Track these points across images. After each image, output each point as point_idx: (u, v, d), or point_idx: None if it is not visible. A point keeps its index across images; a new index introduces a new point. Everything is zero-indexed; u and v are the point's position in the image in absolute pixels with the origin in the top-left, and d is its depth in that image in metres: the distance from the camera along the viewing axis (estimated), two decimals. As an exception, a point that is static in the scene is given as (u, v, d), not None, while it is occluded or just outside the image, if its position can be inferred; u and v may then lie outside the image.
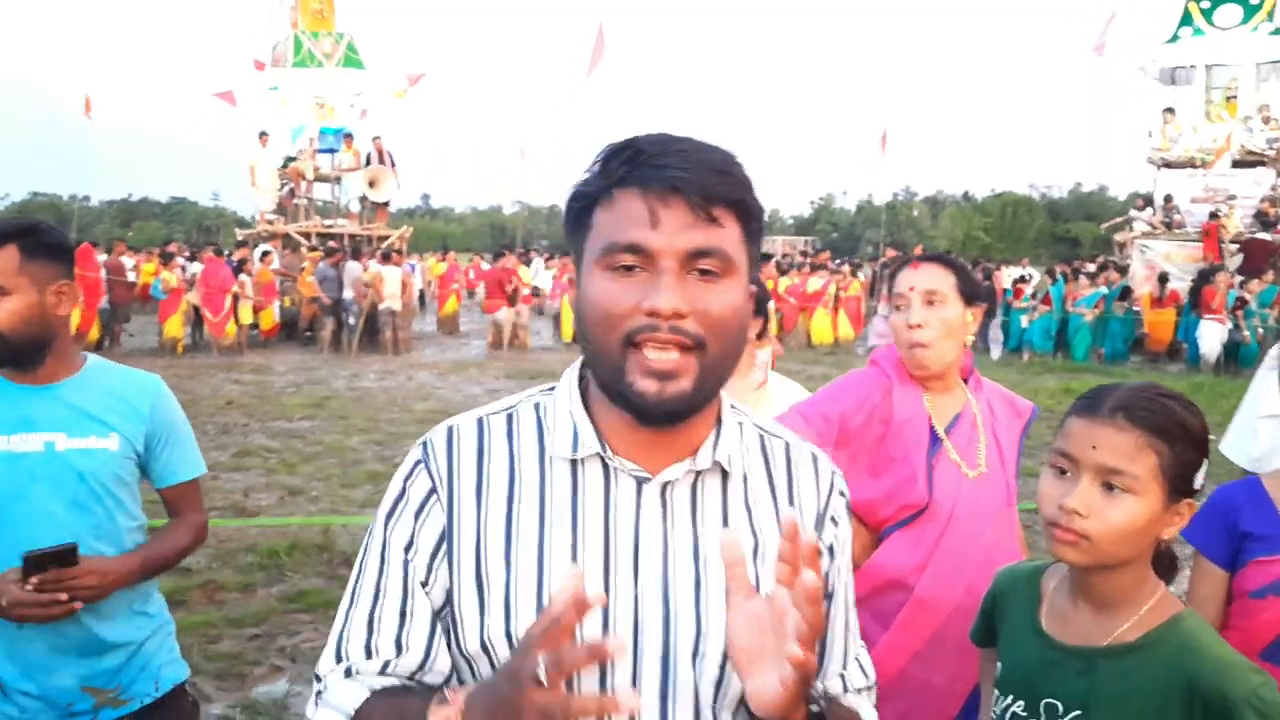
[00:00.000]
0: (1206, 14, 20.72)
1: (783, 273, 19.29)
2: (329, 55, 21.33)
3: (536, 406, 1.21)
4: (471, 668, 1.13)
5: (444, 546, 1.13)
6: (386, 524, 1.16)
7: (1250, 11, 20.30)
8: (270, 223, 20.36)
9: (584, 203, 1.10)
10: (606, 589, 1.09)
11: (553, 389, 1.22)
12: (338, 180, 21.26)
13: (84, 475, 2.08)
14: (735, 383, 1.56)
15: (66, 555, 1.96)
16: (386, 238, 20.14)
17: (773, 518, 1.18)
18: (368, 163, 20.66)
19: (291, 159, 20.90)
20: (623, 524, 1.12)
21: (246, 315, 16.35)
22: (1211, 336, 15.63)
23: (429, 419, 10.34)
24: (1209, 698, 1.36)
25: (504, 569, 1.11)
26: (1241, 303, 15.74)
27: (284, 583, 5.39)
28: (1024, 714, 1.53)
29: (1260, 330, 15.60)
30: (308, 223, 20.35)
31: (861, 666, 1.28)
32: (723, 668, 1.09)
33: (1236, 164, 20.21)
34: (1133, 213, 21.64)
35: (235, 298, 15.89)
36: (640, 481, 1.13)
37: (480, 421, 1.19)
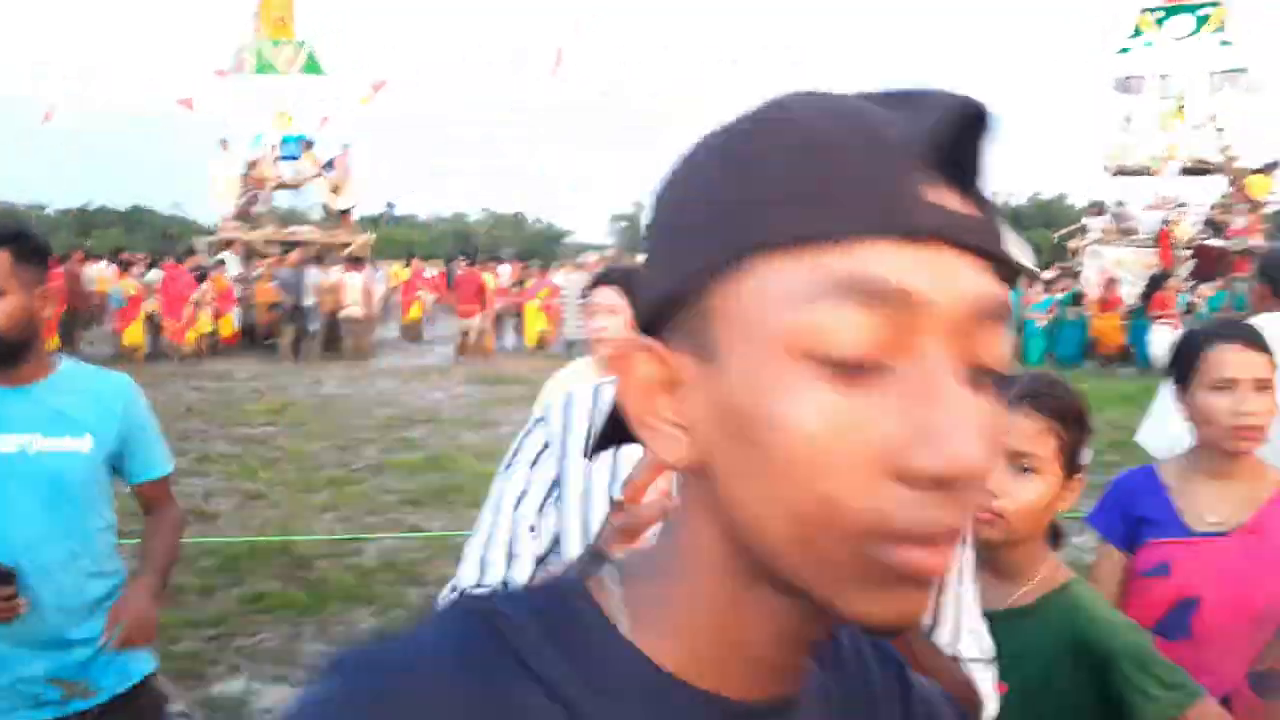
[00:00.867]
0: (1160, 22, 21.23)
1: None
2: (290, 62, 21.27)
3: None
4: None
5: (555, 492, 1.29)
6: (504, 474, 1.33)
7: (1200, 22, 20.83)
8: (233, 230, 20.24)
9: None
10: None
11: None
12: (298, 187, 21.18)
13: (57, 476, 2.13)
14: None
15: (3, 575, 2.01)
16: (348, 245, 20.09)
17: None
18: (329, 166, 20.62)
19: (252, 165, 20.80)
20: None
21: (206, 323, 16.27)
22: (1163, 340, 15.99)
23: (390, 425, 10.38)
24: (1094, 651, 1.49)
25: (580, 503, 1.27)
26: (1192, 307, 16.14)
27: (243, 585, 5.42)
28: (929, 676, 1.65)
29: (1209, 333, 15.95)
30: (269, 229, 20.25)
31: (977, 639, 1.35)
32: None
33: (1187, 171, 20.72)
34: (1086, 219, 22.09)
35: (196, 305, 15.82)
36: None
37: (595, 389, 1.34)
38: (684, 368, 0.50)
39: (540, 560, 1.29)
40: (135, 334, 15.82)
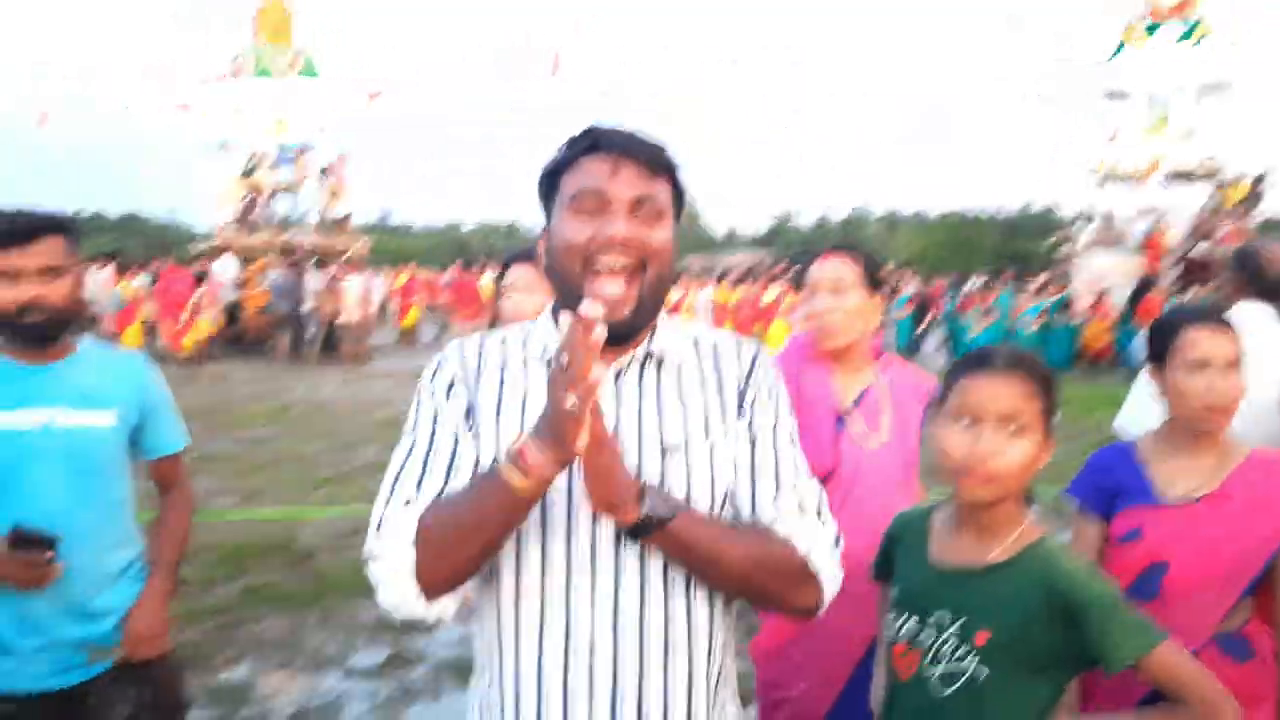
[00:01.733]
0: (1150, 30, 21.47)
1: (739, 282, 19.63)
2: (290, 67, 21.37)
3: (521, 328, 1.56)
4: None
5: (471, 418, 1.45)
6: (428, 398, 1.48)
7: (1185, 34, 21.07)
8: (230, 235, 20.31)
9: (554, 170, 1.46)
10: None
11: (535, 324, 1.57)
12: (295, 193, 21.27)
13: (82, 449, 2.23)
14: None
15: (46, 542, 2.11)
16: (345, 251, 20.19)
17: (700, 397, 1.48)
18: (323, 174, 20.72)
19: (250, 171, 20.89)
20: None
21: (205, 326, 16.33)
22: (1149, 346, 16.13)
23: (388, 426, 10.45)
24: (1065, 601, 1.60)
25: (494, 424, 1.44)
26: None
27: (246, 578, 5.51)
28: (917, 628, 1.76)
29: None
30: (267, 235, 20.33)
31: (800, 493, 1.48)
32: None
33: (1174, 176, 20.94)
34: (1075, 228, 22.31)
35: (194, 308, 15.89)
36: None
37: (481, 338, 1.54)
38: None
39: (476, 462, 1.42)
40: (134, 337, 15.88)
